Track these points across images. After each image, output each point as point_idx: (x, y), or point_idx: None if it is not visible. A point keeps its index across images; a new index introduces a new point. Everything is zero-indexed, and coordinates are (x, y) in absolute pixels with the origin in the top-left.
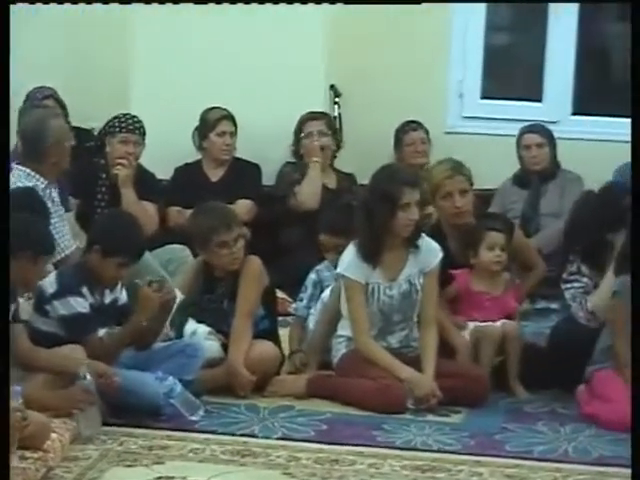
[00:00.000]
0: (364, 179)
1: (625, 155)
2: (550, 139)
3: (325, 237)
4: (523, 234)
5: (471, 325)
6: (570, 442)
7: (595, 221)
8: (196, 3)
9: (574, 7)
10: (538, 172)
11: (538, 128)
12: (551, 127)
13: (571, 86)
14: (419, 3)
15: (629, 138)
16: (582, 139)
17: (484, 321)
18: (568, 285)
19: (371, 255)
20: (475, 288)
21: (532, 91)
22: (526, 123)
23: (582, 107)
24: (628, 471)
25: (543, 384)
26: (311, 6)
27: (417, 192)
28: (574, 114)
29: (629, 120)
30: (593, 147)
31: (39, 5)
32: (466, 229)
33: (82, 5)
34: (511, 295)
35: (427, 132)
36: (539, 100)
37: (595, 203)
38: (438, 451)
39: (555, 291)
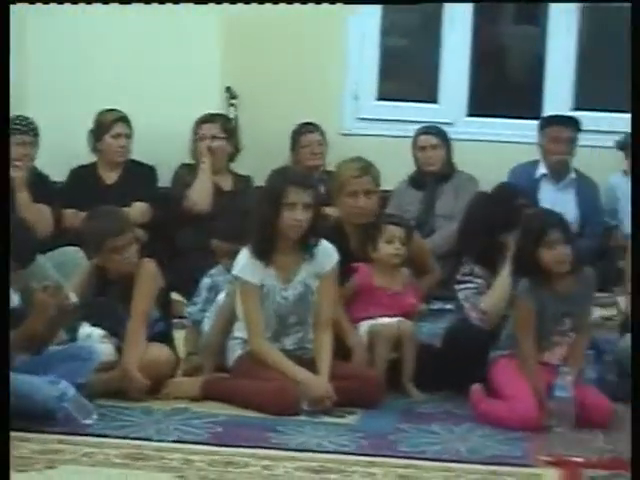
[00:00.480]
0: (261, 181)
1: (519, 156)
2: (445, 140)
3: (218, 243)
4: (420, 237)
5: (366, 324)
6: (463, 442)
7: (487, 222)
8: (196, 3)
9: (469, 9)
10: (433, 173)
11: (433, 129)
12: (446, 128)
13: (466, 88)
14: (416, 3)
15: (524, 139)
16: (477, 140)
17: (383, 316)
18: (462, 286)
19: (263, 256)
20: (375, 282)
21: (427, 93)
22: (421, 125)
23: (477, 109)
24: (519, 469)
25: (438, 385)
26: (207, 7)
27: (306, 193)
28: (469, 116)
29: (523, 121)
30: (488, 148)
31: None
32: (366, 225)
33: None
34: (410, 292)
35: (323, 134)
36: (434, 102)
37: (487, 204)
38: (332, 452)
39: (450, 292)
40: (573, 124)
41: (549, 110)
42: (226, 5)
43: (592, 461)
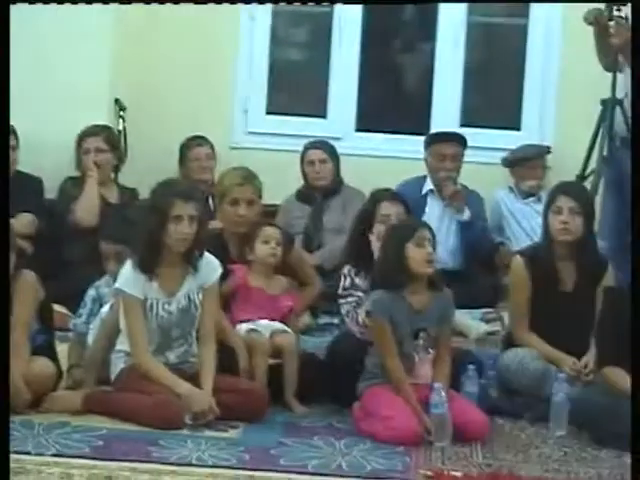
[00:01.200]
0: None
1: (407, 172)
2: (333, 155)
3: (105, 245)
4: (300, 248)
5: (244, 326)
6: (344, 456)
7: (360, 231)
8: (196, 3)
9: (358, 23)
10: (321, 188)
11: (321, 144)
12: (335, 143)
13: (355, 103)
14: (416, 3)
15: (412, 155)
16: (365, 155)
17: (260, 318)
18: (342, 300)
19: (147, 269)
20: (252, 284)
21: (317, 107)
22: (311, 139)
23: (366, 124)
24: None
25: (322, 398)
26: (96, 18)
27: (192, 206)
28: (358, 131)
29: (412, 137)
30: (376, 164)
31: None
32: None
33: None
34: (287, 297)
35: (212, 147)
36: (323, 116)
37: (359, 213)
38: (212, 466)
39: (336, 306)
40: (458, 140)
41: (437, 126)
42: (117, 16)
43: (471, 475)
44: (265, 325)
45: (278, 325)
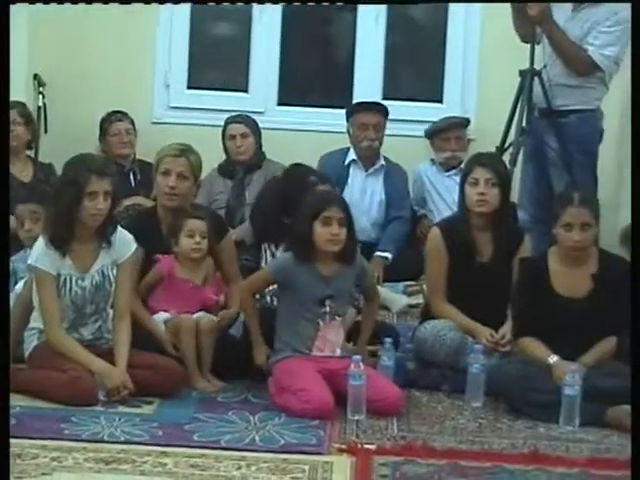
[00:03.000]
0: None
1: (330, 145)
2: (255, 129)
3: (21, 207)
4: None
5: (164, 316)
6: (259, 431)
7: (279, 202)
8: (195, 3)
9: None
10: (243, 162)
11: (243, 118)
12: (257, 117)
13: (277, 77)
14: (417, 3)
15: (334, 128)
16: (287, 129)
17: (186, 311)
18: None
19: (60, 245)
20: (178, 275)
21: (238, 82)
22: (232, 113)
23: (288, 98)
24: (312, 457)
25: (238, 373)
26: None
27: (107, 182)
28: (280, 105)
29: (334, 110)
30: (298, 137)
31: None
32: (176, 210)
33: None
34: (212, 286)
35: (133, 122)
36: (245, 91)
37: (279, 185)
38: (125, 442)
39: None
40: (380, 110)
41: (359, 99)
42: None
43: (385, 448)
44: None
45: (199, 314)
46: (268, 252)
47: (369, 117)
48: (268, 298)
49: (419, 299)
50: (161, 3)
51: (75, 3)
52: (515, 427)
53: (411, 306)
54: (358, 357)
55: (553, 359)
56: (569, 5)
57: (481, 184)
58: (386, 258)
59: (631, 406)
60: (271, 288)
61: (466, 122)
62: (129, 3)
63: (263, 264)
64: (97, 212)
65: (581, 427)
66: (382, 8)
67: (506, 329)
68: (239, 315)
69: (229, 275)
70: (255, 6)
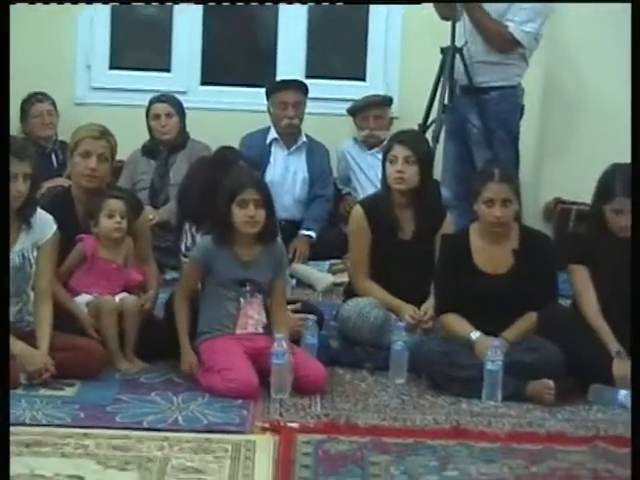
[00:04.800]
0: None
1: (254, 124)
2: (179, 109)
3: None
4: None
5: (86, 298)
6: (182, 411)
7: (205, 185)
8: (196, 3)
9: None
10: (167, 142)
11: (167, 98)
12: (180, 97)
13: (199, 56)
14: (419, 3)
15: (257, 107)
16: (211, 109)
17: (109, 292)
18: (184, 259)
19: None
20: (100, 254)
21: (161, 62)
22: (156, 93)
23: (211, 77)
24: (235, 437)
25: (162, 354)
26: None
27: (26, 164)
28: (203, 84)
29: (257, 89)
30: (222, 117)
31: None
32: (93, 191)
33: None
34: (137, 270)
35: (54, 104)
36: (168, 70)
37: (206, 168)
38: (46, 425)
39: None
40: (299, 88)
41: (283, 78)
42: None
43: (308, 426)
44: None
45: (123, 295)
46: (188, 234)
47: (288, 95)
48: None
49: (344, 277)
50: (161, 3)
51: (75, 3)
52: (438, 403)
53: (336, 284)
54: (281, 335)
55: (475, 335)
56: None
57: (399, 162)
58: (310, 237)
59: (631, 406)
60: None
61: (386, 100)
62: (128, 3)
63: (182, 246)
64: (17, 194)
65: (503, 402)
66: None
67: (428, 306)
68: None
69: (143, 255)
70: None
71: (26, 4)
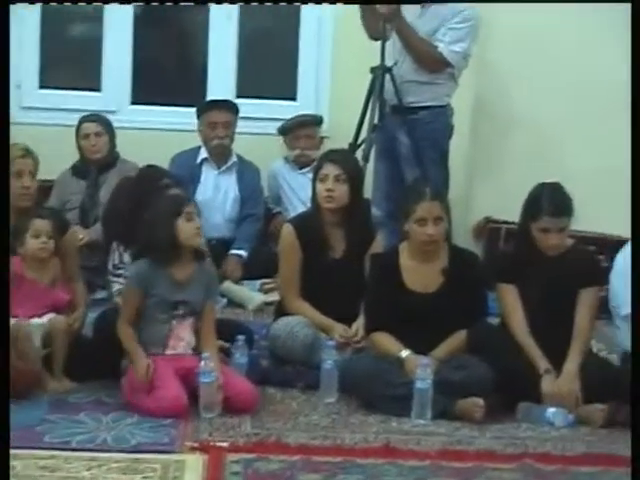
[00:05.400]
0: None
1: (184, 143)
2: (109, 128)
3: None
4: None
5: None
6: (110, 431)
7: (131, 204)
8: (196, 3)
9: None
10: (97, 161)
11: (97, 117)
12: (110, 117)
13: (130, 76)
14: (420, 3)
15: (188, 127)
16: (141, 128)
17: (35, 313)
18: (112, 278)
19: None
20: (27, 275)
21: (91, 81)
22: (86, 113)
23: (141, 97)
24: (164, 456)
25: (91, 373)
26: None
27: None
28: (133, 104)
29: (187, 109)
30: (152, 136)
31: None
32: (24, 210)
33: None
34: (64, 290)
35: None
36: (98, 90)
37: (131, 187)
38: None
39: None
40: (230, 108)
41: (213, 97)
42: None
43: (237, 445)
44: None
45: (51, 315)
46: (117, 253)
47: (219, 115)
48: (115, 297)
49: (275, 296)
50: (161, 3)
51: (75, 3)
52: (368, 422)
53: (267, 303)
54: (207, 355)
55: (404, 353)
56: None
57: (330, 180)
58: (241, 256)
59: (631, 406)
60: (117, 287)
61: (317, 120)
62: (129, 3)
63: (110, 265)
64: None
65: (433, 420)
66: (235, 5)
67: (359, 324)
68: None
69: (71, 274)
70: (106, 8)
71: None
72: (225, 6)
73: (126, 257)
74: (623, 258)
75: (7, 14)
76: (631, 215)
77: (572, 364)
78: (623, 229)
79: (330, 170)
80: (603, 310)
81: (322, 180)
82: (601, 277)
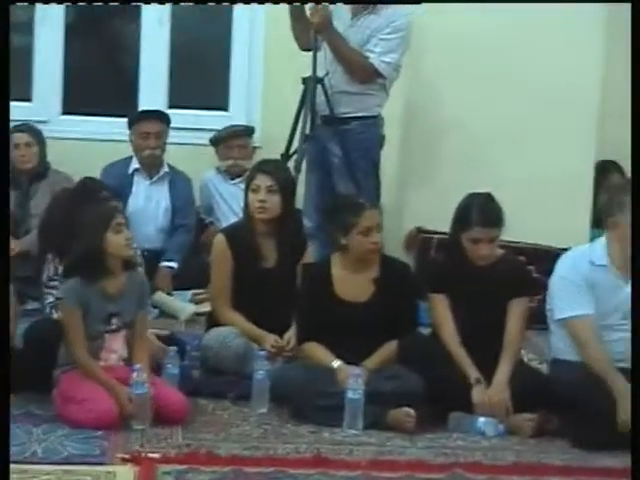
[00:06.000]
0: None
1: (115, 154)
2: (39, 138)
3: None
4: None
5: None
6: (41, 443)
7: (68, 217)
8: (196, 3)
9: (60, 6)
10: (27, 172)
11: (26, 127)
12: (41, 127)
13: (60, 86)
14: (419, 3)
15: (119, 137)
16: (72, 138)
17: None
18: (46, 290)
19: None
20: None
21: (21, 91)
22: (16, 123)
23: (72, 107)
24: (95, 468)
25: (21, 385)
26: None
27: None
28: (64, 113)
29: (119, 119)
30: (83, 146)
31: None
32: None
33: None
34: None
35: None
36: (28, 100)
37: (68, 199)
38: None
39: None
40: (161, 118)
41: (145, 108)
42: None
43: (169, 456)
44: None
45: None
46: (52, 265)
47: (150, 126)
48: (48, 309)
49: (207, 307)
50: (161, 3)
51: (75, 3)
52: (299, 432)
53: (199, 314)
54: (139, 366)
55: (336, 363)
56: (349, 13)
57: (262, 191)
58: (172, 267)
59: (631, 407)
60: (51, 300)
61: (249, 130)
62: (129, 3)
63: (44, 276)
64: None
65: (364, 430)
66: (166, 17)
67: (291, 335)
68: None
69: None
70: (37, 13)
71: None
72: (156, 16)
73: (61, 269)
74: (565, 263)
75: (7, 14)
76: (631, 215)
77: (502, 374)
78: (554, 239)
79: (262, 181)
80: (534, 320)
81: (254, 191)
82: (531, 287)
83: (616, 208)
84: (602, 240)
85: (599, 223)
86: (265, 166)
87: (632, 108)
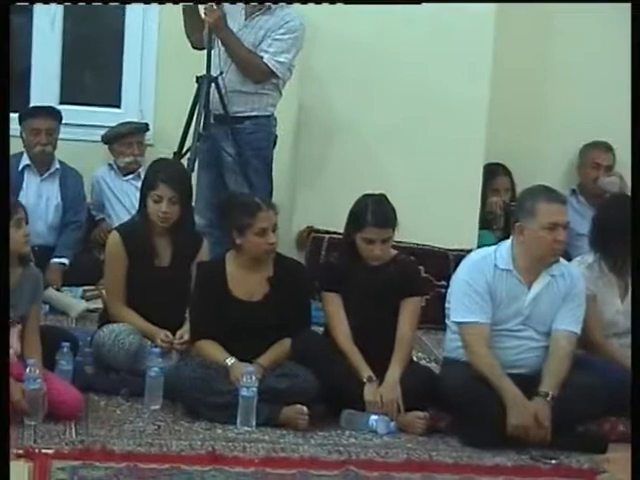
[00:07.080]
0: None
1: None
2: None
3: None
4: None
5: None
6: None
7: None
8: (197, 3)
9: None
10: None
11: None
12: None
13: None
14: (419, 3)
15: (11, 132)
16: None
17: None
18: None
19: None
20: None
21: None
22: None
23: None
24: None
25: None
26: None
27: None
28: None
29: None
30: None
31: None
32: None
33: None
34: None
35: None
36: None
37: None
38: None
39: None
40: (52, 114)
41: (36, 103)
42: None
43: (63, 452)
44: None
45: None
46: None
47: (41, 122)
48: None
49: (98, 304)
50: (161, 3)
51: (74, 3)
52: (193, 429)
53: (90, 310)
54: (32, 361)
55: (230, 361)
56: (243, 13)
57: (164, 202)
58: (63, 264)
59: (631, 407)
60: None
61: (142, 127)
62: (129, 3)
63: None
64: None
65: (258, 427)
66: (59, 13)
67: (184, 331)
68: None
69: None
70: None
71: None
72: (48, 10)
73: None
74: (469, 266)
75: (7, 14)
76: (632, 214)
77: (393, 372)
78: (443, 240)
79: (165, 192)
80: (422, 319)
81: (156, 202)
82: (422, 287)
83: (524, 213)
84: (507, 244)
85: (487, 224)
86: (166, 174)
87: (632, 108)
